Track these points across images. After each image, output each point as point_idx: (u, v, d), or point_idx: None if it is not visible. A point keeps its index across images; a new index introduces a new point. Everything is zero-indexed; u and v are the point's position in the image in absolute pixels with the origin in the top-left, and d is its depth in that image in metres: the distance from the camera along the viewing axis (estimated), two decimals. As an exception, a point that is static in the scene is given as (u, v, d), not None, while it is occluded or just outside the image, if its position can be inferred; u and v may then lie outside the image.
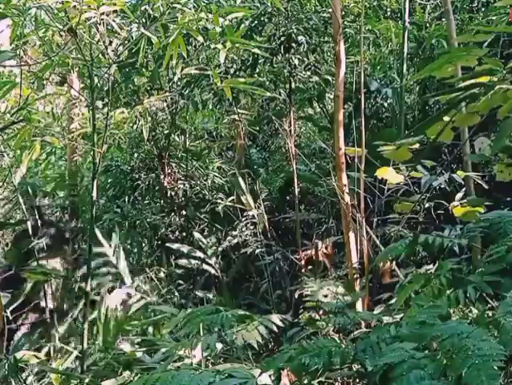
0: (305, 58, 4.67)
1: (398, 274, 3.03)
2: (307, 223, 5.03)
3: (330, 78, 4.66)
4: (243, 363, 2.43)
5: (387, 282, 3.08)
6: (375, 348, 1.57)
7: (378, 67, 5.33)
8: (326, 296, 2.43)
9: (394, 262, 3.07)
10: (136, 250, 5.31)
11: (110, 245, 4.21)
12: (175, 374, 1.52)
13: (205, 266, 4.42)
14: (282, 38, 4.56)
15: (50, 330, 3.90)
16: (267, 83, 4.95)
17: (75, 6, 2.92)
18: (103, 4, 2.91)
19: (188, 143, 5.37)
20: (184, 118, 5.31)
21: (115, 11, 3.06)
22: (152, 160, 5.34)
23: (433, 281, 1.95)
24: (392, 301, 2.50)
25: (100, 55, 3.40)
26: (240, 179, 3.85)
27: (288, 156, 4.37)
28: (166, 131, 5.18)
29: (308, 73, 4.73)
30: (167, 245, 4.75)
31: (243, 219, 4.43)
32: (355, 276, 2.90)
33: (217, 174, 5.42)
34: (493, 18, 4.47)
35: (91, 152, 3.53)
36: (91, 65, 3.28)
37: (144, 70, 4.49)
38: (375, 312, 2.48)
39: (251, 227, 4.35)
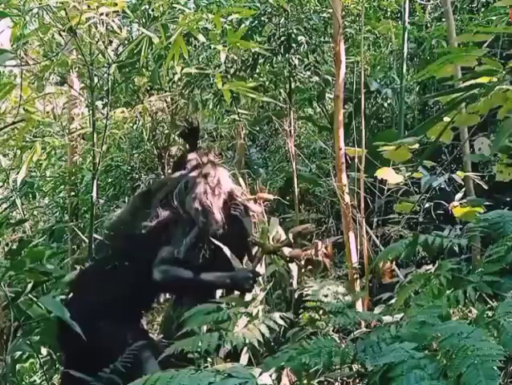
0: (305, 59, 4.67)
1: (398, 274, 3.03)
2: (307, 223, 5.02)
3: (330, 78, 4.67)
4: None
5: (387, 282, 3.08)
6: (375, 348, 1.58)
7: (378, 68, 5.33)
8: (326, 296, 2.43)
9: (394, 262, 3.07)
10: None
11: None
12: (175, 374, 1.53)
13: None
14: (282, 38, 4.56)
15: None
16: (267, 83, 4.95)
17: (75, 6, 2.93)
18: (103, 4, 2.92)
19: (188, 143, 5.37)
20: (184, 118, 5.31)
21: (115, 11, 3.07)
22: (152, 160, 5.34)
23: (433, 281, 1.95)
24: (392, 301, 2.50)
25: (100, 55, 3.40)
26: (240, 179, 3.84)
27: (288, 156, 4.37)
28: (166, 131, 5.18)
29: (308, 73, 4.73)
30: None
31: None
32: (355, 276, 2.90)
33: (216, 174, 5.41)
34: (493, 18, 4.48)
35: (91, 152, 3.54)
36: (90, 65, 3.28)
37: (144, 70, 4.49)
38: (375, 312, 2.48)
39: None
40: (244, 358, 2.40)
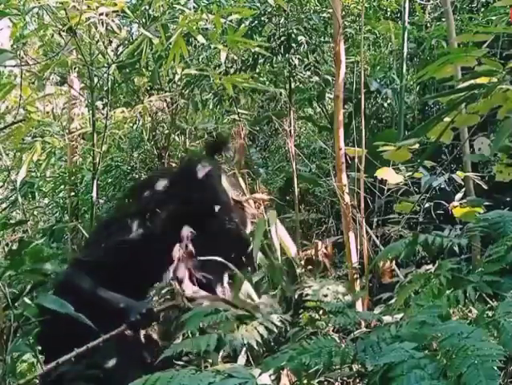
0: (305, 59, 4.68)
1: (398, 274, 3.03)
2: (307, 223, 5.03)
3: (330, 78, 4.67)
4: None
5: (387, 282, 3.08)
6: (375, 348, 1.57)
7: (378, 68, 5.33)
8: (326, 296, 2.43)
9: (394, 262, 3.07)
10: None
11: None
12: (175, 374, 1.53)
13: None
14: (282, 38, 4.56)
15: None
16: (267, 83, 4.95)
17: (74, 7, 2.94)
18: (102, 4, 2.92)
19: (188, 143, 5.37)
20: (184, 118, 5.31)
21: (115, 11, 3.07)
22: (152, 160, 5.34)
23: (433, 281, 1.95)
24: (392, 301, 2.50)
25: (100, 55, 3.41)
26: (240, 179, 3.84)
27: (288, 156, 4.38)
28: (166, 131, 5.18)
29: (308, 73, 4.73)
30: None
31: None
32: (355, 276, 2.90)
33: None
34: (493, 18, 4.47)
35: (91, 152, 3.54)
36: (90, 65, 3.29)
37: (144, 70, 4.50)
38: (375, 312, 2.48)
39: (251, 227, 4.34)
40: (241, 359, 2.39)
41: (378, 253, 2.79)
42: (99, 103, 4.46)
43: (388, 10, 5.40)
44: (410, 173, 3.10)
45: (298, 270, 2.96)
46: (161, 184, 2.60)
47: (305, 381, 1.98)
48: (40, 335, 2.49)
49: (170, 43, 3.17)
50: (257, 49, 3.91)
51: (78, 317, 2.13)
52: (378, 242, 3.19)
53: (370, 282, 3.00)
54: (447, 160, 4.26)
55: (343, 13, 4.59)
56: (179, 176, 2.63)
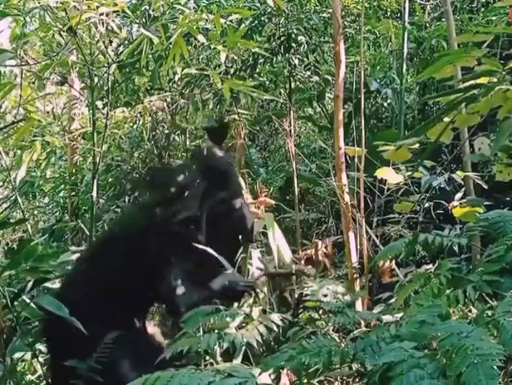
0: (305, 59, 4.68)
1: (398, 274, 3.03)
2: (307, 222, 5.03)
3: (330, 78, 4.67)
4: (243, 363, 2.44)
5: (386, 282, 3.09)
6: (374, 347, 1.58)
7: (378, 68, 5.34)
8: (326, 295, 2.43)
9: (394, 262, 3.08)
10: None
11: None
12: (175, 374, 1.53)
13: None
14: (282, 38, 4.56)
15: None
16: (267, 82, 4.95)
17: (75, 7, 2.94)
18: (103, 4, 2.92)
19: (188, 143, 5.37)
20: (184, 118, 5.31)
21: (115, 11, 3.07)
22: (153, 159, 5.34)
23: (433, 280, 1.95)
24: (392, 300, 2.51)
25: (100, 55, 3.41)
26: (240, 179, 3.85)
27: (288, 155, 4.38)
28: (166, 131, 5.18)
29: (308, 73, 4.73)
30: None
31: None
32: (354, 275, 2.90)
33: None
34: (493, 18, 4.48)
35: (92, 152, 3.55)
36: (90, 65, 3.29)
37: (144, 70, 4.50)
38: (374, 311, 2.48)
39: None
40: (238, 358, 2.39)
41: (378, 253, 2.79)
42: (99, 103, 4.45)
43: (388, 10, 5.40)
44: (410, 173, 3.10)
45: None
46: (185, 180, 2.66)
47: (305, 380, 1.99)
48: (47, 332, 2.50)
49: (170, 43, 3.17)
50: (256, 49, 3.91)
51: (71, 321, 2.14)
52: (378, 242, 3.20)
53: (370, 282, 3.00)
54: (447, 159, 4.27)
55: (343, 13, 4.59)
56: (201, 173, 2.68)
